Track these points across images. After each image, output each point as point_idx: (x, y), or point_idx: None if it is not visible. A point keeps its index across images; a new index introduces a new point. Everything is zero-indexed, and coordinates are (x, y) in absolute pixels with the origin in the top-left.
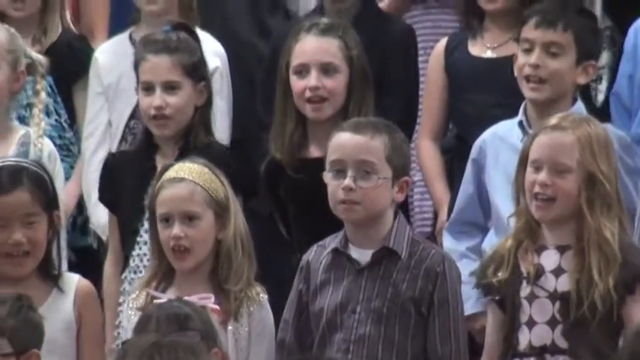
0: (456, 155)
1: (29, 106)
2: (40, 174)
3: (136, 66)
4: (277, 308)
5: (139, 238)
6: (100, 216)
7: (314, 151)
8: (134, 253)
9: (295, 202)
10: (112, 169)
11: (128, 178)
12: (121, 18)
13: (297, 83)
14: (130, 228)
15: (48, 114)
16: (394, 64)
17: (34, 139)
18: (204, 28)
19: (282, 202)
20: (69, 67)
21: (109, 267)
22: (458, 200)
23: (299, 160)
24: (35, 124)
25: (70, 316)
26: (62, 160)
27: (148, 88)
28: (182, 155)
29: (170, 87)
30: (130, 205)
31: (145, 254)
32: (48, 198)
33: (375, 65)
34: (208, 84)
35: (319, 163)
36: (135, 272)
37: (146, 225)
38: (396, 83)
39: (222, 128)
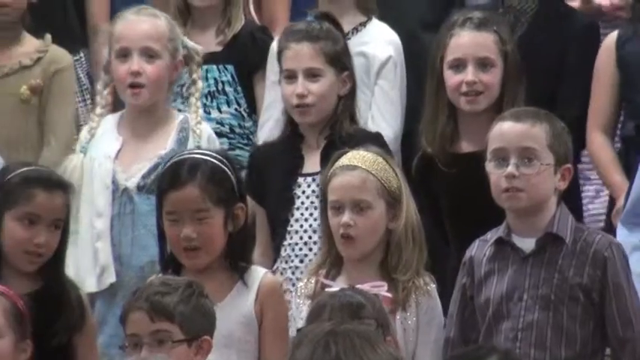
0: (632, 146)
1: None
2: (219, 169)
3: (279, 55)
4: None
5: (289, 228)
6: None
7: (465, 146)
8: (285, 242)
9: (447, 197)
10: (258, 161)
11: (275, 170)
12: (302, 6)
13: (452, 78)
14: (280, 219)
15: (228, 103)
16: (574, 57)
17: (192, 126)
18: (382, 19)
19: (434, 196)
20: (251, 57)
21: (257, 260)
22: (633, 191)
23: (450, 154)
24: (193, 111)
25: (250, 311)
26: (241, 148)
27: (290, 77)
28: (328, 145)
29: (312, 75)
30: (278, 195)
31: (296, 244)
32: (224, 193)
33: (554, 57)
34: (352, 74)
35: (471, 158)
36: (286, 262)
37: (296, 214)
38: (574, 76)
39: (392, 118)
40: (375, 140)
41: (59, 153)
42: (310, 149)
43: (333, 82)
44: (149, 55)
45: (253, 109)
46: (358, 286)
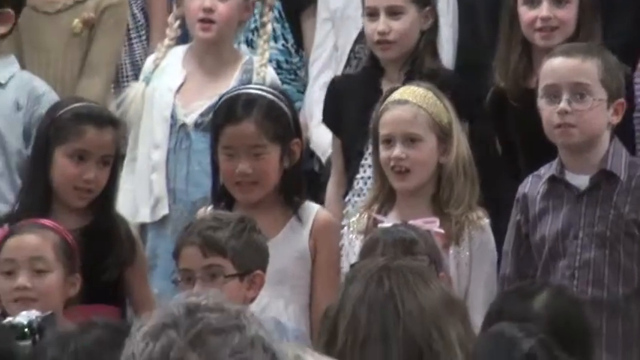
0: None
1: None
2: (276, 105)
3: None
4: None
5: (363, 161)
6: (320, 136)
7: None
8: (358, 176)
9: (520, 132)
10: (336, 92)
11: (353, 102)
12: None
13: (527, 13)
14: (354, 150)
15: (275, 39)
16: None
17: (256, 68)
18: None
19: (507, 131)
20: None
21: (331, 188)
22: None
23: (524, 89)
24: (260, 53)
25: (304, 247)
26: (288, 83)
27: (372, 14)
28: (408, 80)
29: (394, 12)
30: (354, 127)
31: (369, 177)
32: (280, 129)
33: None
34: (434, 9)
35: None
36: (358, 195)
37: (371, 148)
38: (622, 8)
39: (446, 54)
40: (454, 78)
41: (100, 88)
42: (390, 83)
43: (415, 19)
44: None
45: (300, 45)
46: (411, 222)
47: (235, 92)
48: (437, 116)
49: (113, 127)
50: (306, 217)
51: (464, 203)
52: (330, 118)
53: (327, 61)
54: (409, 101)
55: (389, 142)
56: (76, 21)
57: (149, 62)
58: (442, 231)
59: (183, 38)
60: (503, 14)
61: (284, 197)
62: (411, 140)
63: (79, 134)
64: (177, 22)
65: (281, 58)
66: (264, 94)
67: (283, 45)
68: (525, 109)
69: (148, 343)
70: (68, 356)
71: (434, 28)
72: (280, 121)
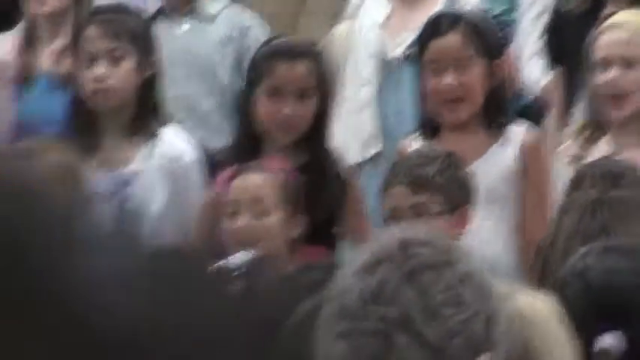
0: None
1: None
2: (482, 22)
3: None
4: None
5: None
6: (532, 71)
7: None
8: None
9: None
10: (559, 25)
11: (575, 35)
12: None
13: None
14: (574, 82)
15: None
16: None
17: None
18: None
19: None
20: None
21: (554, 119)
22: None
23: None
24: None
25: (513, 166)
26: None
27: None
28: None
29: None
30: (575, 60)
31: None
32: (487, 44)
33: None
34: None
35: None
36: None
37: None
38: None
39: None
40: None
41: (322, 24)
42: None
43: None
44: None
45: None
46: (617, 156)
47: (439, 12)
48: None
49: (309, 59)
50: (513, 138)
51: None
52: (553, 47)
53: None
54: (624, 25)
55: (605, 65)
56: None
57: None
58: None
59: None
60: None
61: (489, 118)
62: (627, 64)
63: (270, 71)
64: None
65: None
66: (468, 13)
67: None
68: None
69: (363, 277)
70: (283, 298)
71: None
72: (486, 38)
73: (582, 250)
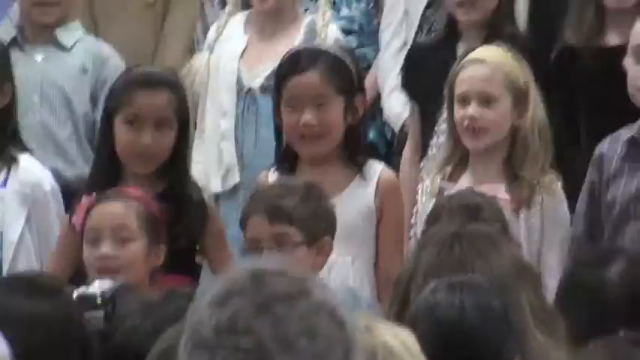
0: None
1: None
2: (340, 59)
3: None
4: None
5: (436, 128)
6: (393, 106)
7: (612, 39)
8: (432, 142)
9: (586, 93)
10: (415, 59)
11: (430, 67)
12: None
13: None
14: (430, 117)
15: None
16: None
17: (319, 28)
18: None
19: (571, 93)
20: None
21: (407, 153)
22: None
23: (596, 48)
24: (321, 13)
25: (370, 204)
26: (369, 45)
27: None
28: (486, 43)
29: None
30: (430, 93)
31: (442, 144)
32: (344, 82)
33: None
34: None
35: (616, 52)
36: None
37: (444, 114)
38: None
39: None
40: (527, 43)
41: (179, 55)
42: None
43: None
44: None
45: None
46: (475, 189)
47: (299, 48)
48: (514, 77)
49: (168, 89)
50: (371, 176)
51: (537, 166)
52: (410, 84)
53: (397, 27)
54: (486, 60)
55: (464, 101)
56: None
57: (212, 31)
58: (508, 197)
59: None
60: None
61: (348, 154)
62: (486, 100)
63: (130, 99)
64: None
65: (363, 21)
66: (327, 49)
67: (365, 7)
68: (597, 67)
69: (214, 311)
70: (147, 326)
71: None
72: (344, 75)
73: (432, 285)
